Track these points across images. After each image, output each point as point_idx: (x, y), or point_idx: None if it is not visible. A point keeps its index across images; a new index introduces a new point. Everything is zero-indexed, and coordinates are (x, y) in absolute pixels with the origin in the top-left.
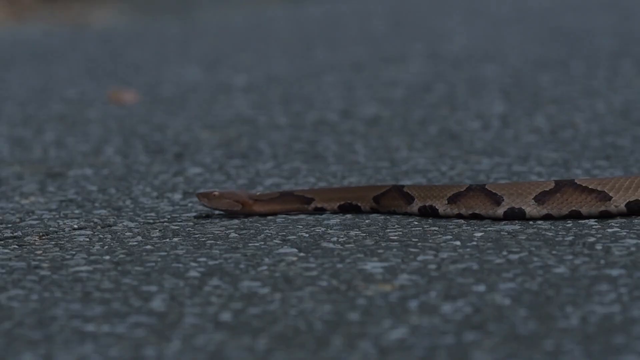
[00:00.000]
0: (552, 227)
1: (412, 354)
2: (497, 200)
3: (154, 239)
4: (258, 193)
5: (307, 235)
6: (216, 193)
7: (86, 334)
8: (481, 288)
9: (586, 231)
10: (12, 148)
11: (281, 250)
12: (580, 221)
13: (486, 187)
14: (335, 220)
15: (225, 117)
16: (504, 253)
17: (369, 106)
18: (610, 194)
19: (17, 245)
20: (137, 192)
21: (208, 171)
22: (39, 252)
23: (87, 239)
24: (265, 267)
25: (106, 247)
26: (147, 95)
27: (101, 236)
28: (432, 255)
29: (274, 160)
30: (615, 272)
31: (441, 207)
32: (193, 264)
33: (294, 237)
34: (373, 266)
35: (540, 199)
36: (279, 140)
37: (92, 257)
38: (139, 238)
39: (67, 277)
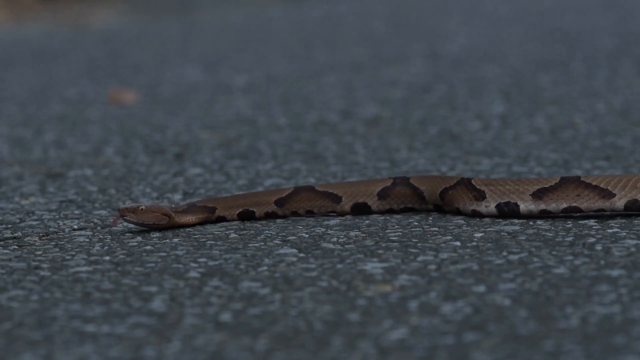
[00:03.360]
0: (552, 228)
1: (412, 354)
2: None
3: (154, 239)
4: (173, 206)
5: (307, 235)
6: (143, 207)
7: (86, 335)
8: (481, 288)
9: (586, 232)
10: (12, 148)
11: (281, 251)
12: (580, 222)
13: (410, 180)
14: (335, 221)
15: (225, 117)
16: (504, 253)
17: (369, 106)
18: (487, 195)
19: (17, 245)
20: (137, 192)
21: (208, 172)
22: (39, 252)
23: (87, 240)
24: (265, 268)
25: (106, 247)
26: (147, 96)
27: (101, 237)
28: (432, 255)
29: (274, 161)
30: (615, 272)
31: (373, 203)
32: (193, 265)
33: (294, 237)
34: (373, 267)
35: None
36: (279, 141)
37: (92, 258)
38: (139, 239)
39: (67, 278)
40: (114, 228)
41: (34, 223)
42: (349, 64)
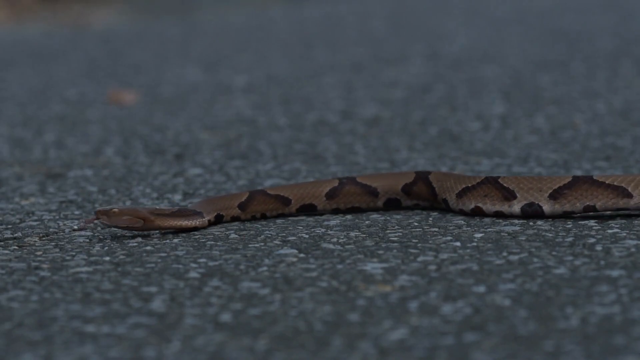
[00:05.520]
0: (552, 228)
1: (412, 354)
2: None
3: (154, 239)
4: (157, 208)
5: (307, 236)
6: (115, 210)
7: (86, 335)
8: (481, 289)
9: (586, 232)
10: (12, 148)
11: (281, 251)
12: (580, 222)
13: (357, 179)
14: (335, 221)
15: (226, 117)
16: (504, 254)
17: (369, 107)
18: (437, 192)
19: (17, 246)
20: (137, 193)
21: (208, 172)
22: (39, 253)
23: (87, 240)
24: (265, 268)
25: (106, 248)
26: (147, 96)
27: (101, 237)
28: (432, 256)
29: (274, 161)
30: (615, 273)
31: (320, 204)
32: (193, 265)
33: (294, 238)
34: (373, 267)
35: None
36: (279, 141)
37: (92, 258)
38: (139, 239)
39: (67, 278)
40: (113, 228)
41: (34, 223)
42: (349, 64)
